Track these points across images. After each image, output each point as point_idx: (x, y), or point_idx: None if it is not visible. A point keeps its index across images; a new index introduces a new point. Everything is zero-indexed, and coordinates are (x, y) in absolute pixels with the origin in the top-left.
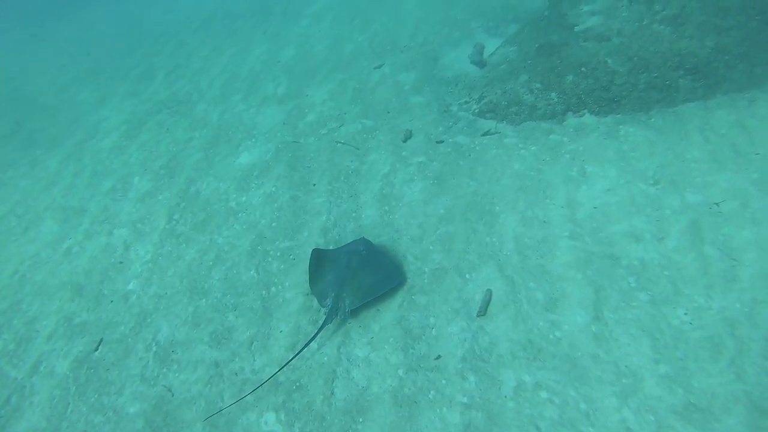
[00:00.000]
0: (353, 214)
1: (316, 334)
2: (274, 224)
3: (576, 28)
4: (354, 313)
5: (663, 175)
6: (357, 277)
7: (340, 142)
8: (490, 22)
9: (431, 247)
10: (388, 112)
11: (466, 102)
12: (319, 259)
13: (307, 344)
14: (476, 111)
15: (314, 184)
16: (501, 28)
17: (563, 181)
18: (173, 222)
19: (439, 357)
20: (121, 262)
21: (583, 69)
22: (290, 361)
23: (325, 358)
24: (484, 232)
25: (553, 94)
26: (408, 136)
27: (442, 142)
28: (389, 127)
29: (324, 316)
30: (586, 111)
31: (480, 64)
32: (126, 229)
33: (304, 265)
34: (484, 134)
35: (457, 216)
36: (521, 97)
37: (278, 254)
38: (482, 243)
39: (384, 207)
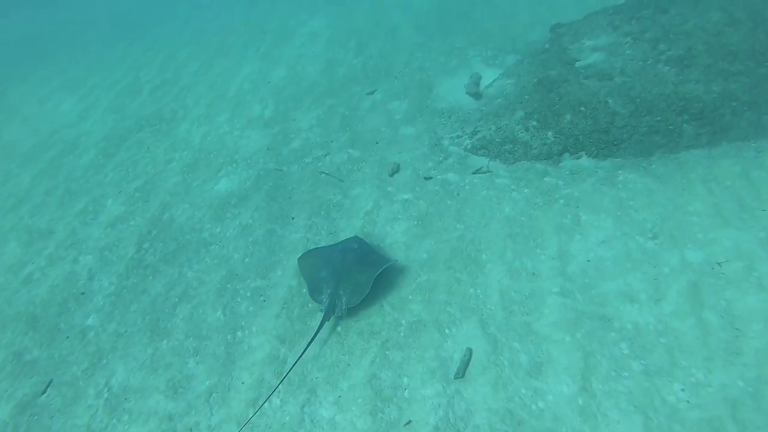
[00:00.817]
0: None
1: (316, 333)
2: (247, 260)
3: (577, 64)
4: (322, 367)
5: (662, 229)
6: (352, 275)
7: (324, 173)
8: (488, 52)
9: (410, 297)
10: (377, 143)
11: (459, 136)
12: (311, 255)
13: (308, 345)
14: (468, 147)
15: (293, 218)
16: (500, 58)
17: (555, 230)
18: (142, 251)
19: (409, 422)
20: (82, 293)
21: (582, 108)
22: (290, 370)
23: (287, 418)
24: (468, 283)
25: (550, 134)
26: (395, 170)
27: (430, 178)
28: (376, 159)
29: (322, 314)
30: (583, 153)
31: (476, 95)
32: (92, 257)
33: (275, 308)
34: (475, 172)
35: (441, 263)
36: (516, 135)
37: (248, 294)
38: (465, 295)
39: None
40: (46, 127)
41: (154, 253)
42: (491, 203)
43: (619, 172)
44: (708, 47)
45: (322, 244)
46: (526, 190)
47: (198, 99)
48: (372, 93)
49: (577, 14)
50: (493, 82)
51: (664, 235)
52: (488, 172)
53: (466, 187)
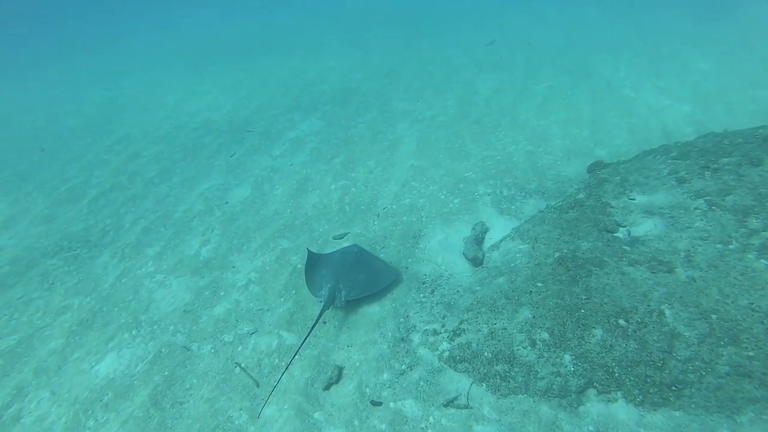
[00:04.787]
0: None
1: (317, 320)
2: None
3: (620, 232)
4: None
5: None
6: (352, 272)
7: (240, 367)
8: (504, 190)
9: None
10: (324, 323)
11: (436, 332)
12: (313, 260)
13: (310, 331)
14: (446, 354)
15: None
16: (518, 201)
17: None
18: None
19: None
20: None
21: (622, 321)
22: (296, 352)
23: None
24: None
25: (567, 357)
26: (335, 378)
27: (379, 404)
28: (314, 355)
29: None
30: (619, 395)
31: (474, 261)
32: None
33: None
34: (447, 404)
35: None
36: (515, 351)
37: None
38: None
39: None
40: None
41: None
42: None
43: None
44: None
45: None
46: None
47: (137, 218)
48: (341, 238)
49: (627, 146)
50: (501, 242)
51: None
52: (466, 407)
53: None
